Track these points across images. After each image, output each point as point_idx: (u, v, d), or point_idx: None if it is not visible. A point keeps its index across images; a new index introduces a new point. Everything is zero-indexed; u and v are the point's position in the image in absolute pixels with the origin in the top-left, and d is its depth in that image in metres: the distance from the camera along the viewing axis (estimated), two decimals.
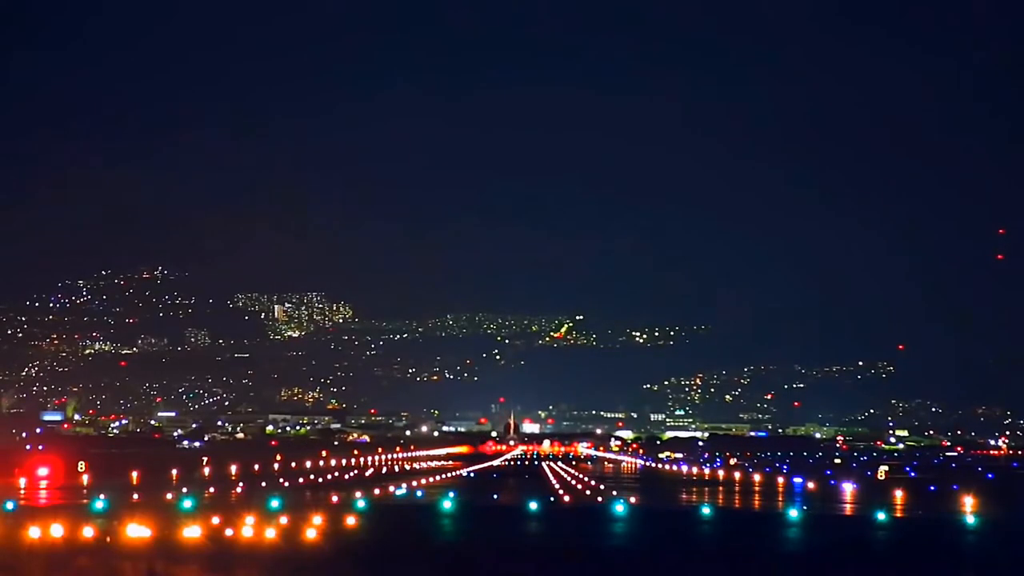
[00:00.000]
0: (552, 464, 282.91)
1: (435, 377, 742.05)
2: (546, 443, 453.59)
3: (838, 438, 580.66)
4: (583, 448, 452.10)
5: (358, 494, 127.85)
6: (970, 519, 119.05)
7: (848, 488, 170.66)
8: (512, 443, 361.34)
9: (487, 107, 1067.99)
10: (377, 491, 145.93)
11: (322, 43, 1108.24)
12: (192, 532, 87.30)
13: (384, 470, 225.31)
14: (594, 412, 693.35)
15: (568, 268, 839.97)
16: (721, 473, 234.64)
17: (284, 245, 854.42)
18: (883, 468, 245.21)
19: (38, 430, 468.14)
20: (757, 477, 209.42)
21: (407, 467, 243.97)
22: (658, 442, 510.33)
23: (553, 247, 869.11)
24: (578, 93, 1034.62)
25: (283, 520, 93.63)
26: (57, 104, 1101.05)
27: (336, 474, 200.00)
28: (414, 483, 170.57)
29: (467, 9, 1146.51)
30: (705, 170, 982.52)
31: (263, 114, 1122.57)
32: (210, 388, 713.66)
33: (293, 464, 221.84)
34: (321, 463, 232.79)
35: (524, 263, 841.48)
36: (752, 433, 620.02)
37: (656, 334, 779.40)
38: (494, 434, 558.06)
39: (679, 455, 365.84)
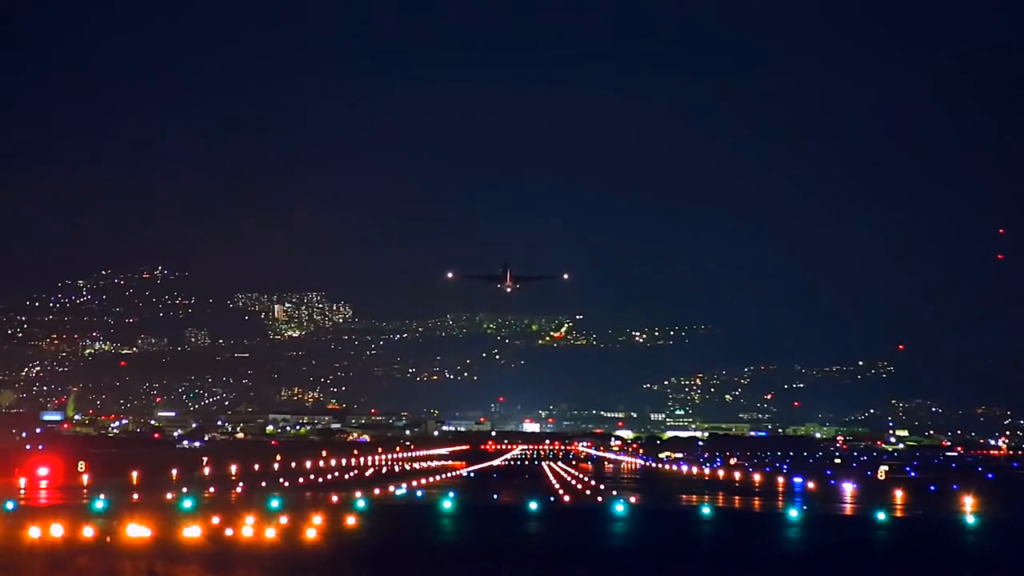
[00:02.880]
0: (552, 464, 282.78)
1: (435, 377, 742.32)
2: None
3: (838, 438, 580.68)
4: (583, 448, 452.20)
5: (358, 494, 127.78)
6: (970, 519, 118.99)
7: (848, 488, 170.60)
8: (509, 291, 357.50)
9: (488, 107, 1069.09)
10: (377, 491, 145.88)
11: (323, 44, 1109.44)
12: (192, 532, 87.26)
13: (384, 470, 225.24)
14: (594, 412, 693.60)
15: (568, 268, 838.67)
16: (721, 473, 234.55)
17: (284, 245, 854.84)
18: (883, 468, 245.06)
19: (38, 430, 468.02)
20: (757, 477, 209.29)
21: (407, 467, 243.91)
22: (658, 442, 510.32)
23: (553, 247, 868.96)
24: (580, 93, 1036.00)
25: (283, 520, 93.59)
26: (57, 104, 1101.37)
27: (336, 474, 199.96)
28: (414, 483, 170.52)
29: (466, 10, 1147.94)
30: (706, 171, 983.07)
31: (264, 115, 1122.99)
32: (210, 388, 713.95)
33: (293, 464, 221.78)
34: (321, 463, 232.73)
35: (524, 263, 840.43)
36: (752, 433, 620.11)
37: (656, 334, 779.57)
38: (491, 432, 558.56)
39: (679, 455, 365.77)
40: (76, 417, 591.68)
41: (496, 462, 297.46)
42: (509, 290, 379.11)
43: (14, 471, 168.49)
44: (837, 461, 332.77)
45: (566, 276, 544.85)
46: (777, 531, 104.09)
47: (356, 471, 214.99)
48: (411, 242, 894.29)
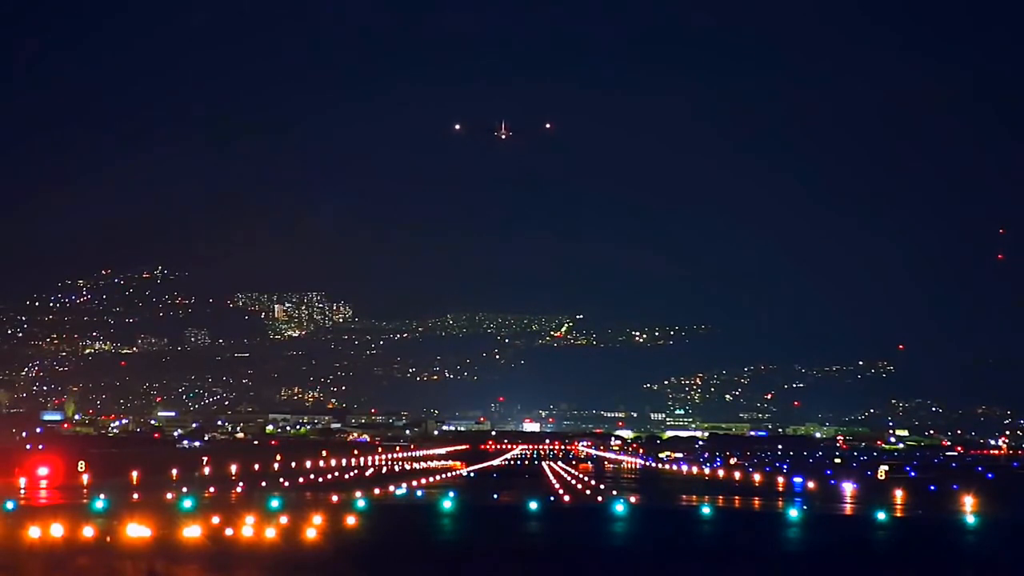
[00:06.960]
0: (552, 464, 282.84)
1: (435, 377, 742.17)
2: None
3: (838, 438, 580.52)
4: (583, 447, 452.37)
5: (358, 494, 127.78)
6: (970, 519, 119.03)
7: (848, 488, 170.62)
8: (503, 137, 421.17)
9: (486, 105, 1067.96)
10: (377, 491, 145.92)
11: (321, 44, 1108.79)
12: (192, 532, 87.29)
13: (384, 470, 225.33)
14: (594, 412, 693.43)
15: (568, 268, 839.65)
16: (721, 473, 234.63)
17: (284, 245, 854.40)
18: (883, 468, 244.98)
19: (38, 430, 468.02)
20: (757, 477, 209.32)
21: (407, 467, 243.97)
22: (658, 441, 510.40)
23: (553, 247, 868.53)
24: (578, 92, 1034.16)
25: (283, 520, 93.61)
26: (57, 105, 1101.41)
27: (336, 474, 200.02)
28: (414, 483, 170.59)
29: (465, 9, 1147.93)
30: (706, 170, 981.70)
31: (263, 114, 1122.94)
32: (210, 388, 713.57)
33: (293, 464, 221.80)
34: (321, 463, 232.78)
35: (524, 263, 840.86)
36: (752, 433, 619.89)
37: (656, 334, 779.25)
38: (491, 432, 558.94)
39: (679, 455, 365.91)
40: (76, 417, 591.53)
41: (496, 462, 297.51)
42: (503, 137, 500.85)
43: (14, 471, 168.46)
44: (837, 461, 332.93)
45: (548, 125, 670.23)
46: (777, 531, 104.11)
47: (356, 471, 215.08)
48: (411, 242, 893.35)
